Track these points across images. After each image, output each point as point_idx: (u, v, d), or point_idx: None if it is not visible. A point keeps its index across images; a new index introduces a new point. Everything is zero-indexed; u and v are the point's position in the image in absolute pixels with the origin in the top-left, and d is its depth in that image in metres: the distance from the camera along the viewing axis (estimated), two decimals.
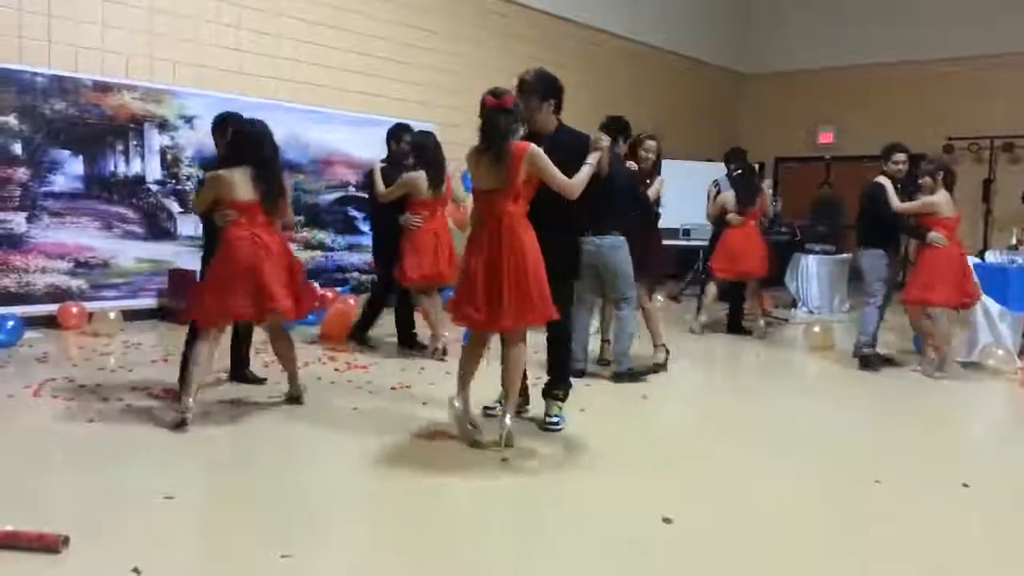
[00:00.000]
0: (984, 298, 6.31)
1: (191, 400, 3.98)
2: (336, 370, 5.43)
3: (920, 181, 5.80)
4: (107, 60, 6.97)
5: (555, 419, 4.17)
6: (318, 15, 8.36)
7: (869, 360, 5.92)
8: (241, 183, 4.10)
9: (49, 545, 2.57)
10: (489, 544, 2.86)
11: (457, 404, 3.89)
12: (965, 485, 3.53)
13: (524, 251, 3.68)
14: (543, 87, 3.94)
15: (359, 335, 6.17)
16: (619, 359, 5.42)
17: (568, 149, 3.86)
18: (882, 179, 5.93)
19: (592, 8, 11.37)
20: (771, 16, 14.06)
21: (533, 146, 3.68)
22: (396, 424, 4.19)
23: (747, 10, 14.27)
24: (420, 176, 5.67)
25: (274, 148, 4.26)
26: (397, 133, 6.05)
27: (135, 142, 7.03)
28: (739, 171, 7.35)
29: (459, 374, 3.94)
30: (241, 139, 4.23)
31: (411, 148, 5.82)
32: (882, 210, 5.78)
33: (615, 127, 5.52)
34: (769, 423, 4.64)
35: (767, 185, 7.58)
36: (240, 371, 4.98)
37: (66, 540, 2.59)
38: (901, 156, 5.98)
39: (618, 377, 5.37)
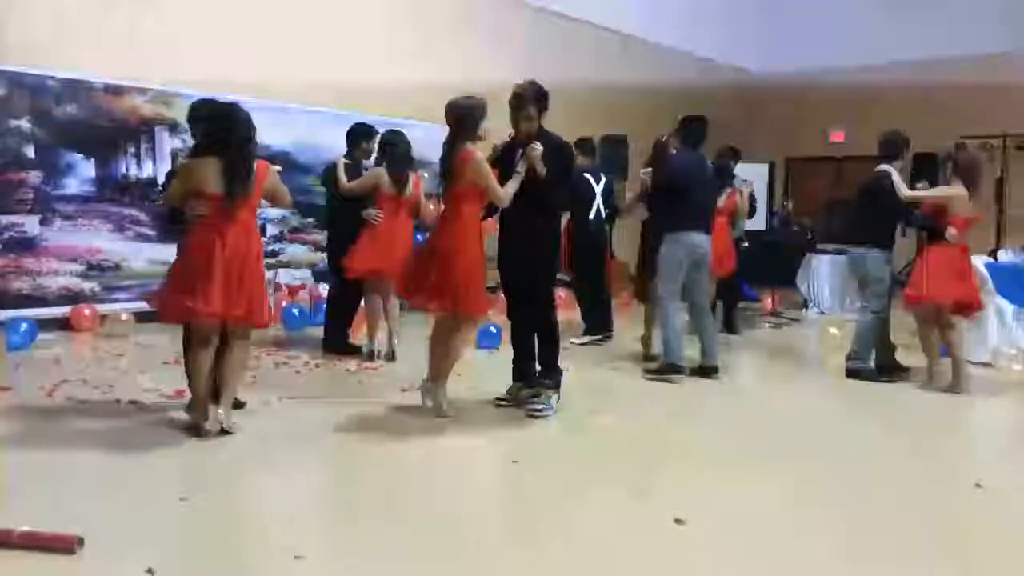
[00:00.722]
0: (996, 298, 6.27)
1: (206, 412, 3.92)
2: (347, 370, 5.45)
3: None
4: (118, 63, 7.01)
5: (541, 406, 4.35)
6: (326, 15, 8.38)
7: (859, 372, 5.61)
8: (210, 174, 3.79)
9: (65, 545, 2.59)
10: (494, 543, 2.87)
11: (425, 383, 4.39)
12: (978, 486, 3.51)
13: (457, 247, 4.12)
14: (537, 97, 4.37)
15: (340, 344, 5.94)
16: (713, 356, 5.55)
17: (550, 148, 4.31)
18: (887, 166, 5.58)
19: (602, 7, 11.35)
20: (780, 15, 14.00)
21: (477, 155, 4.13)
22: (405, 424, 4.20)
23: (756, 9, 14.21)
24: (385, 171, 5.65)
25: (247, 136, 3.87)
26: (360, 134, 5.98)
27: (146, 145, 7.07)
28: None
29: (428, 358, 4.41)
30: (212, 126, 3.92)
31: (379, 145, 5.79)
32: (888, 200, 5.42)
33: (695, 129, 5.57)
34: (776, 424, 4.64)
35: (746, 184, 7.43)
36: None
37: (81, 541, 2.61)
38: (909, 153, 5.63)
39: (712, 372, 5.53)
